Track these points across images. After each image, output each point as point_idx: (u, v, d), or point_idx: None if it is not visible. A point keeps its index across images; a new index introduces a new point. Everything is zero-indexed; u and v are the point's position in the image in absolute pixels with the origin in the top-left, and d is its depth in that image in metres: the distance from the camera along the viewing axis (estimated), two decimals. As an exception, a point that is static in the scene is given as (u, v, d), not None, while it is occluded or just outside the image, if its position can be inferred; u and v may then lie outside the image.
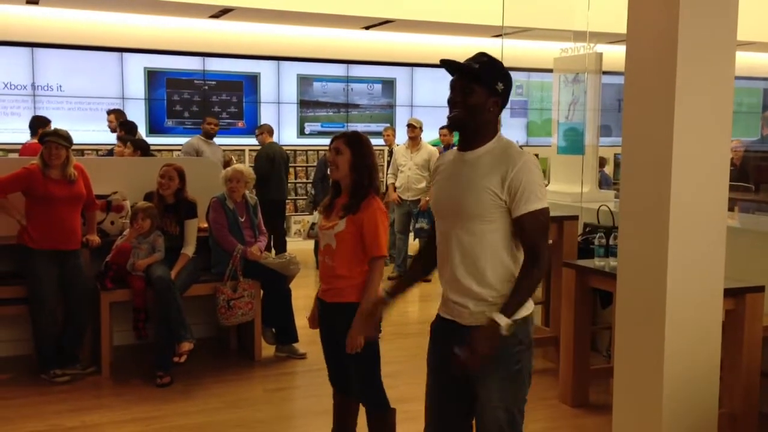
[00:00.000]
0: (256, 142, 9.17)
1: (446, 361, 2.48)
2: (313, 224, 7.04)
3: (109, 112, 8.55)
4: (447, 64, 2.51)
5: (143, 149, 7.31)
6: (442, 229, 2.58)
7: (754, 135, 13.75)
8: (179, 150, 9.84)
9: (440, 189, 2.61)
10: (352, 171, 3.38)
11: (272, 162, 8.64)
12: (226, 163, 6.86)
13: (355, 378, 3.44)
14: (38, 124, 7.56)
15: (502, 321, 2.37)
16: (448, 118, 2.54)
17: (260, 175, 8.63)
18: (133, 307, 5.13)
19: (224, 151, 9.41)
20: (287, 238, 9.32)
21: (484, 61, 2.50)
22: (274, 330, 5.57)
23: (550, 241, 5.39)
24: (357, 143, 3.44)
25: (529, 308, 2.52)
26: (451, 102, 2.51)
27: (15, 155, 8.37)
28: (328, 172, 3.41)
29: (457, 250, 2.50)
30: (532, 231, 2.42)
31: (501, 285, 2.47)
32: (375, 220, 3.37)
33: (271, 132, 9.06)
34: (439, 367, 2.64)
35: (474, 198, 2.45)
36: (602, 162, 9.96)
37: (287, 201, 10.21)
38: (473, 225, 2.46)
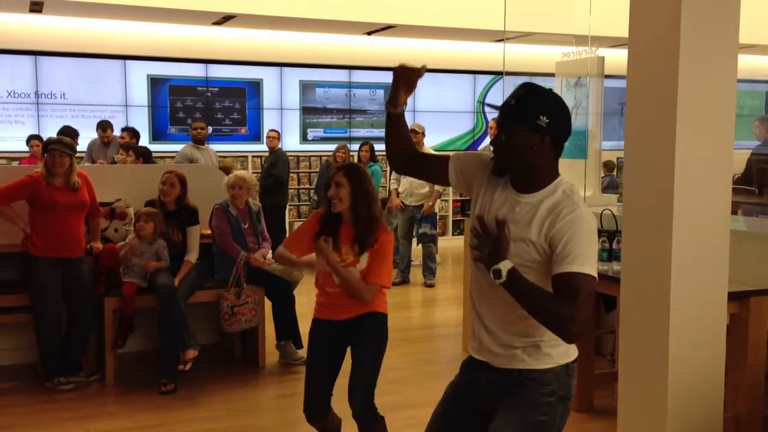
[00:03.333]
0: (258, 149, 9.22)
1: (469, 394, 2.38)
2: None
3: (104, 127, 8.59)
4: (489, 106, 2.34)
5: (145, 156, 7.34)
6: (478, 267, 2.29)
7: (756, 138, 13.74)
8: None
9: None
10: (353, 203, 3.41)
11: (288, 167, 8.86)
12: (226, 170, 6.87)
13: (360, 388, 3.43)
14: (67, 135, 7.54)
15: (504, 266, 2.09)
16: (493, 165, 2.28)
17: (282, 181, 8.74)
18: (120, 314, 5.07)
19: (225, 157, 9.46)
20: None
21: (521, 94, 2.18)
22: (290, 342, 5.55)
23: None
24: (355, 174, 3.45)
25: (569, 355, 2.29)
26: (492, 144, 2.24)
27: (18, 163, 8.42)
28: (329, 195, 3.43)
29: (496, 292, 2.20)
30: (569, 291, 2.06)
31: (544, 329, 2.20)
32: (388, 252, 3.45)
33: (279, 137, 9.18)
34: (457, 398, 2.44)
35: (517, 250, 2.16)
36: (611, 166, 9.94)
37: (289, 206, 10.25)
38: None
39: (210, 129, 10.29)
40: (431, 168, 2.49)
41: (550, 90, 2.27)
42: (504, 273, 2.09)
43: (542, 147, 2.18)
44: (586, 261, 2.10)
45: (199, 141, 8.08)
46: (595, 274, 2.12)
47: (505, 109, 2.21)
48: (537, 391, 2.25)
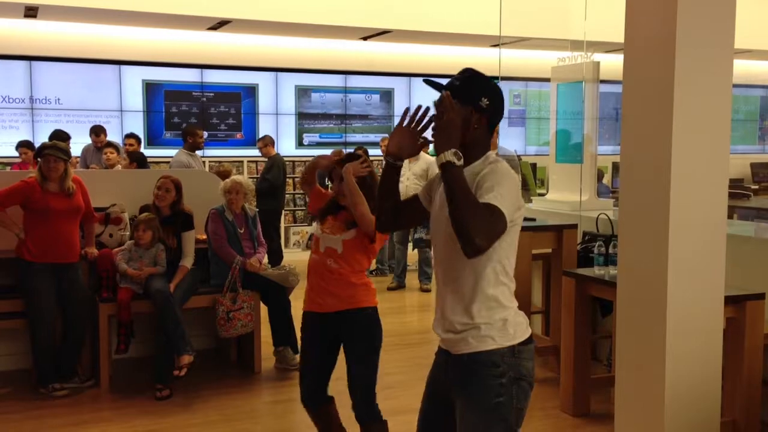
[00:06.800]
0: (254, 154, 9.22)
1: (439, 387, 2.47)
2: (312, 235, 7.05)
3: (98, 132, 8.62)
4: (430, 84, 2.41)
5: (139, 161, 7.34)
6: (437, 245, 2.45)
7: (752, 143, 13.80)
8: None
9: (435, 205, 2.48)
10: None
11: (284, 172, 8.95)
12: (224, 174, 6.87)
13: (357, 391, 3.45)
14: (58, 139, 7.53)
15: (444, 156, 2.18)
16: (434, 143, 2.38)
17: (276, 186, 8.73)
18: (118, 320, 5.07)
19: (221, 162, 9.46)
20: (286, 249, 9.34)
21: (466, 77, 2.39)
22: (288, 348, 5.52)
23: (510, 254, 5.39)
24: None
25: (514, 337, 2.34)
26: (435, 126, 2.32)
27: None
28: (326, 182, 3.50)
29: (446, 276, 2.39)
30: (488, 210, 2.17)
31: (486, 312, 2.33)
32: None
33: (273, 143, 9.17)
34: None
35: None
36: (600, 174, 9.95)
37: (285, 211, 10.23)
38: (456, 245, 2.25)
39: (205, 134, 10.29)
40: (414, 210, 2.61)
41: (490, 78, 2.45)
42: (444, 159, 2.18)
43: (480, 126, 2.35)
44: (503, 201, 2.18)
45: (196, 149, 8.08)
46: (508, 218, 2.19)
47: (450, 88, 2.34)
48: (487, 374, 2.32)
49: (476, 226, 2.10)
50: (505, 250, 2.33)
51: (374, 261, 9.29)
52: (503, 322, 2.34)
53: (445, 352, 2.45)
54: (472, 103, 2.33)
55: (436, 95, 2.35)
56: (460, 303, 2.35)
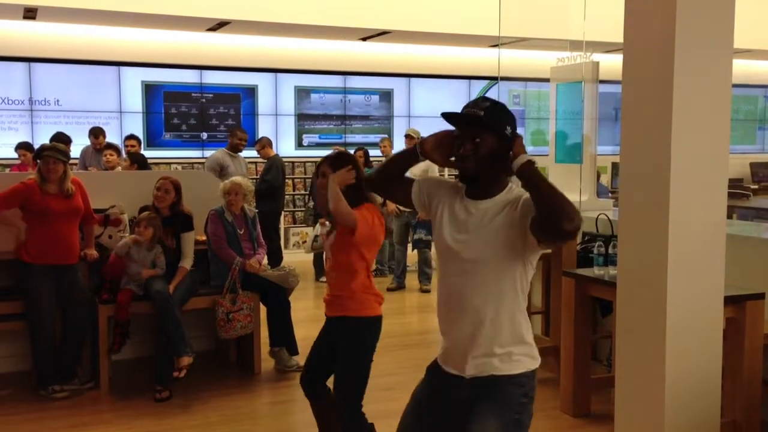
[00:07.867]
0: (253, 155, 9.20)
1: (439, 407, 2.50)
2: (316, 236, 7.05)
3: (96, 134, 8.64)
4: (449, 117, 2.39)
5: (140, 163, 7.34)
6: (448, 276, 2.49)
7: (751, 143, 13.81)
8: (177, 163, 9.88)
9: (444, 231, 2.46)
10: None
11: (283, 173, 8.94)
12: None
13: (339, 394, 3.50)
14: (59, 142, 7.51)
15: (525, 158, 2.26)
16: (460, 172, 2.38)
17: (276, 186, 8.72)
18: (115, 320, 5.05)
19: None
20: (285, 250, 9.33)
21: (487, 106, 2.35)
22: (283, 349, 5.52)
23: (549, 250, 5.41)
24: (338, 163, 3.50)
25: (536, 361, 2.45)
26: (461, 156, 2.35)
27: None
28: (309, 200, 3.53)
29: (464, 298, 2.43)
30: None
31: (519, 335, 2.41)
32: (364, 216, 3.41)
33: (271, 144, 9.15)
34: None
35: (484, 241, 2.35)
36: (597, 174, 9.95)
37: (285, 212, 10.22)
38: (480, 271, 2.37)
39: (204, 135, 10.32)
40: (400, 186, 2.63)
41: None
42: (526, 159, 2.27)
43: (504, 155, 2.34)
44: None
45: (236, 150, 8.22)
46: None
47: (475, 119, 2.34)
48: (514, 392, 2.40)
49: (571, 206, 2.16)
50: (532, 266, 2.40)
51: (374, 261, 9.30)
52: (531, 346, 2.43)
53: (452, 379, 2.49)
54: (498, 133, 2.34)
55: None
56: (487, 331, 2.38)
